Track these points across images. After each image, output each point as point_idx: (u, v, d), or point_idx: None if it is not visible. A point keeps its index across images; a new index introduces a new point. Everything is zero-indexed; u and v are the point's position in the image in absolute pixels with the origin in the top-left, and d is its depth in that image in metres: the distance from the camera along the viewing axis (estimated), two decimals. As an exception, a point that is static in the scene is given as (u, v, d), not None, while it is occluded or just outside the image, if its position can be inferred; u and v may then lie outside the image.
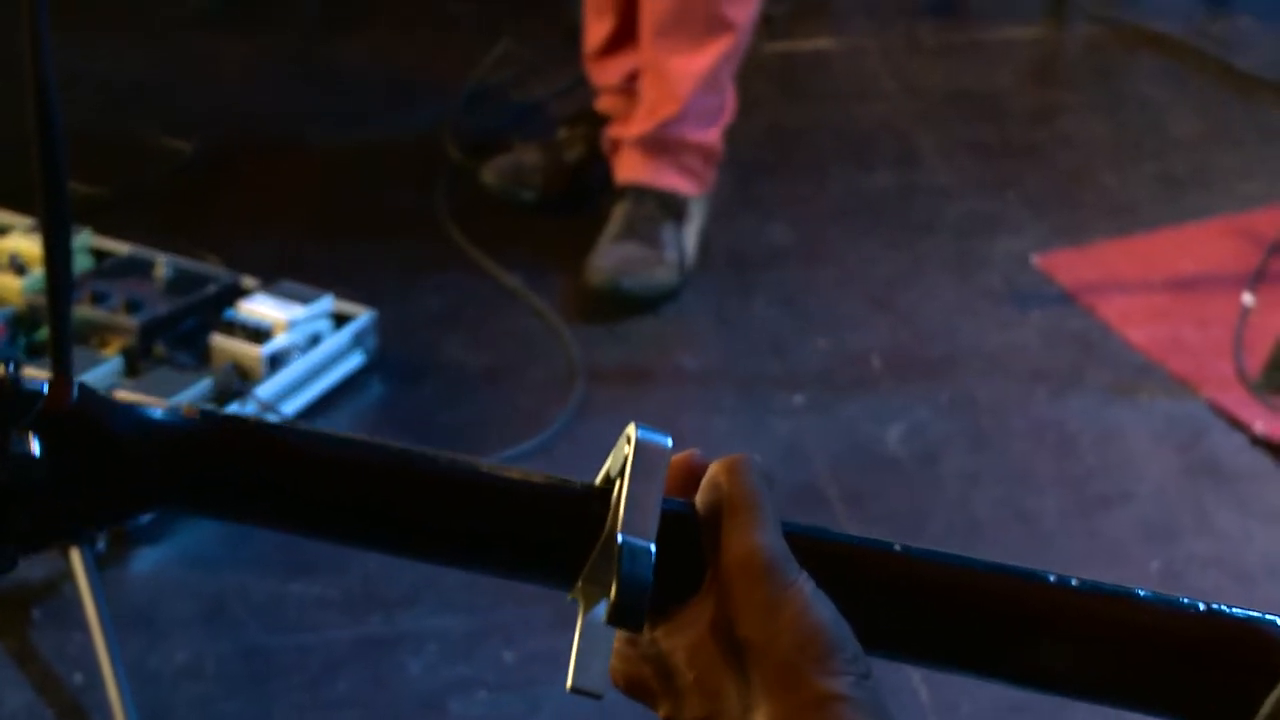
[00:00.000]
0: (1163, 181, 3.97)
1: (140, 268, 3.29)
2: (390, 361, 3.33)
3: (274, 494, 1.07)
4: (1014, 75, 4.42)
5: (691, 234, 3.62)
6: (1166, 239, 3.77)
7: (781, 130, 4.17)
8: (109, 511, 1.06)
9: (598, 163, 3.78)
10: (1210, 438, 3.23)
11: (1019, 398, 3.31)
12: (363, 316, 3.30)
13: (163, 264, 3.29)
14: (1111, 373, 3.36)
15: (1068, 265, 3.67)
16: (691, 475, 1.09)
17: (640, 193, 3.61)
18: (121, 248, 3.39)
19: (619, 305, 3.52)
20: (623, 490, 1.04)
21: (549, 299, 3.50)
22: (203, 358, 3.15)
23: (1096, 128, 4.20)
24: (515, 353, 3.41)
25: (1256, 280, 3.38)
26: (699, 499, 1.07)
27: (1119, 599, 1.08)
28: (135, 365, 3.10)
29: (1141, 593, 1.08)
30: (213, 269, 3.35)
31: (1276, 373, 3.25)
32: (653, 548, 1.03)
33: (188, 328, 3.20)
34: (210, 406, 3.01)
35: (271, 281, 3.29)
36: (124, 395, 2.97)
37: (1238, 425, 3.23)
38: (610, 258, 3.55)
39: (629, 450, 1.05)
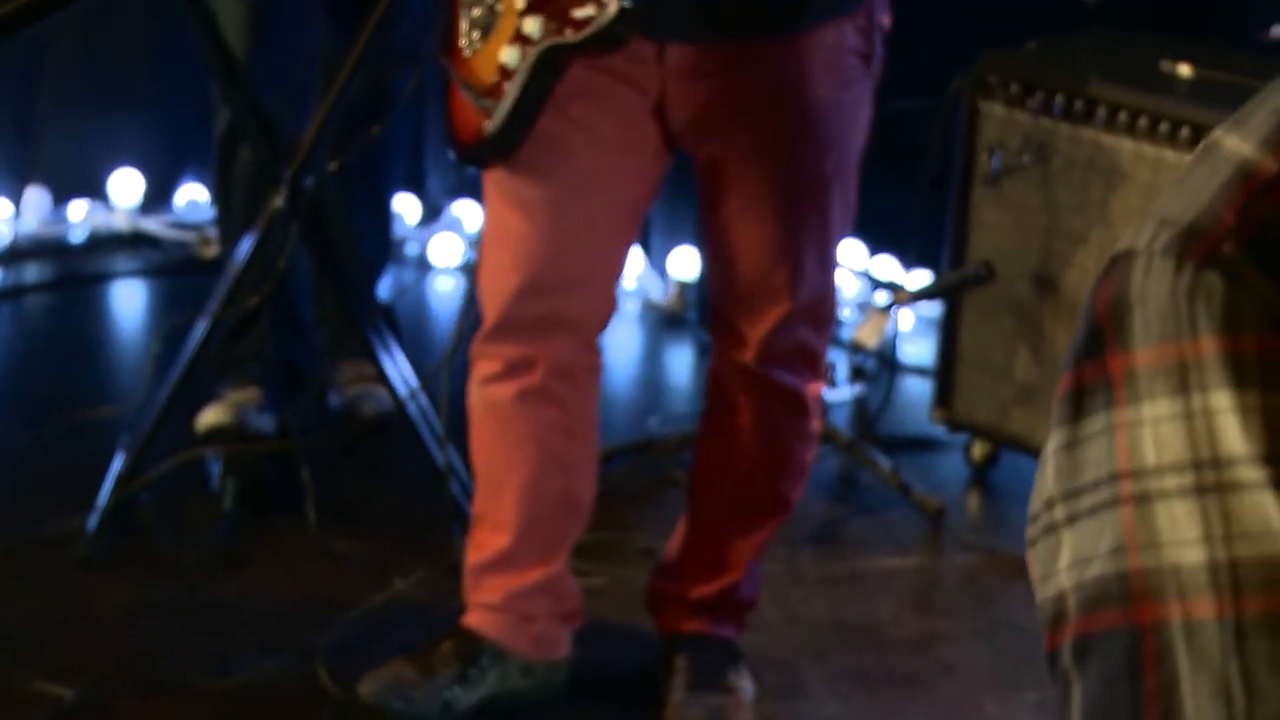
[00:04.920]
0: (1043, 709, 3.99)
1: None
2: None
3: None
4: (894, 603, 4.47)
5: (746, 674, 3.85)
6: (1050, 768, 3.77)
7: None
8: None
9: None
10: None
11: None
12: None
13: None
14: None
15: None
16: None
17: (700, 641, 3.82)
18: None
19: None
20: None
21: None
22: None
23: (976, 655, 4.24)
24: None
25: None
26: None
27: None
28: None
29: None
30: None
31: None
32: None
33: None
34: None
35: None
36: None
37: None
38: (700, 709, 3.72)
39: None
